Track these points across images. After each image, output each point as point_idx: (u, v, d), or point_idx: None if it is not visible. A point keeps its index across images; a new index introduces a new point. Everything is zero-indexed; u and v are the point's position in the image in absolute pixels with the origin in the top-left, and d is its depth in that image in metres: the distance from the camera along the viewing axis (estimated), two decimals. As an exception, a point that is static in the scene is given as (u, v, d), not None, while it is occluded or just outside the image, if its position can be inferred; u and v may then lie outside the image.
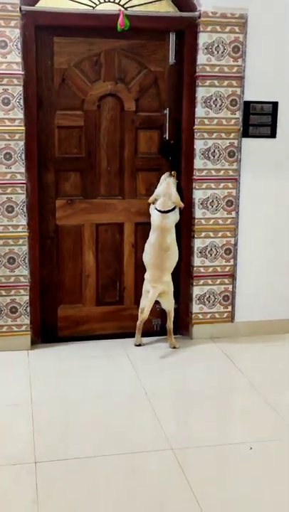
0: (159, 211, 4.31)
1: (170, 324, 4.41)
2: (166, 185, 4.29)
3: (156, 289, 4.27)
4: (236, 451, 3.17)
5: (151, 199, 4.33)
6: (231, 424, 3.55)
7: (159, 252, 4.28)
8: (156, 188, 4.39)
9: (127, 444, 3.19)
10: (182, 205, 4.32)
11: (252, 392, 3.81)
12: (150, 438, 3.27)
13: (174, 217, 4.36)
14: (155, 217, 4.33)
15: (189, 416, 3.62)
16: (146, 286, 4.35)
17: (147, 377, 3.97)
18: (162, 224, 4.29)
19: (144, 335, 4.49)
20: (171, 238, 4.32)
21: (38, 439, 3.22)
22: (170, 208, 4.31)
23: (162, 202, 4.30)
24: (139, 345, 4.45)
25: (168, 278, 4.34)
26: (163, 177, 4.34)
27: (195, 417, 3.58)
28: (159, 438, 3.25)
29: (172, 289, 4.37)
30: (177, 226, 4.40)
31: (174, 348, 4.41)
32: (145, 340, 4.53)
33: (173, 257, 4.35)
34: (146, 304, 4.27)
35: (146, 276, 4.36)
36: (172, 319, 4.40)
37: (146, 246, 4.37)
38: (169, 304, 4.41)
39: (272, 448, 3.22)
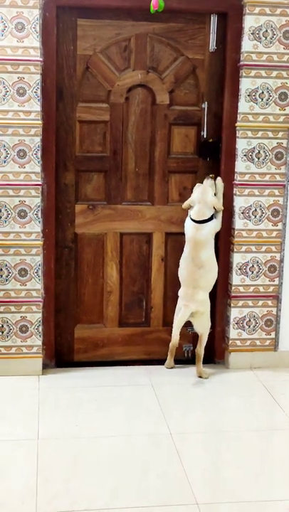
0: (193, 221, 4.23)
1: (200, 350, 4.33)
2: (203, 190, 4.23)
3: (188, 308, 4.21)
4: (274, 511, 2.99)
5: (185, 204, 4.28)
6: (270, 475, 3.35)
7: (192, 268, 4.23)
8: (192, 193, 4.34)
9: (145, 496, 3.07)
10: (221, 207, 4.25)
11: None
12: (173, 489, 3.13)
13: (212, 227, 4.25)
14: (188, 228, 4.27)
15: (220, 463, 3.45)
16: (179, 304, 4.31)
17: (173, 413, 3.88)
18: (196, 236, 4.22)
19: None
20: (208, 253, 4.24)
21: (40, 485, 3.11)
22: (206, 218, 4.22)
23: (197, 210, 4.24)
24: (172, 368, 4.43)
25: (202, 297, 4.26)
26: (204, 182, 4.28)
27: (226, 465, 3.41)
28: (184, 489, 3.11)
29: (208, 310, 4.31)
30: (215, 238, 4.33)
31: (201, 377, 4.34)
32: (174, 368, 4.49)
33: (209, 275, 4.29)
34: (174, 324, 4.24)
35: (180, 293, 4.32)
36: (204, 344, 4.33)
37: (181, 260, 4.33)
38: (202, 327, 4.33)
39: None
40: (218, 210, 4.24)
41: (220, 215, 4.28)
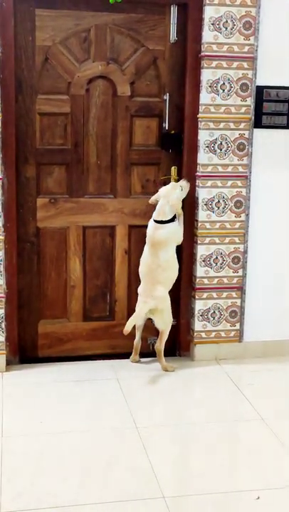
0: (154, 220, 4.24)
1: (160, 346, 4.33)
2: (170, 187, 4.23)
3: (147, 305, 4.21)
4: (240, 502, 3.02)
5: (152, 199, 4.27)
6: (235, 467, 3.38)
7: (151, 266, 4.24)
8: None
9: (112, 491, 3.05)
10: (180, 212, 4.24)
11: (261, 427, 3.68)
12: (139, 483, 3.12)
13: (172, 230, 4.23)
14: (149, 226, 4.28)
15: (186, 456, 3.48)
16: (139, 300, 4.31)
17: (139, 406, 3.88)
18: (153, 236, 4.22)
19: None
20: (167, 254, 4.23)
21: (4, 483, 3.07)
22: (165, 218, 4.21)
23: (158, 208, 4.24)
24: (137, 362, 4.46)
25: (161, 293, 4.25)
26: (180, 182, 4.30)
27: (193, 457, 3.44)
28: (150, 483, 3.10)
29: (168, 307, 4.31)
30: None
31: (167, 371, 4.33)
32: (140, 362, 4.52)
33: (168, 273, 4.28)
34: (130, 318, 4.19)
35: (139, 289, 4.33)
36: (164, 340, 4.34)
37: (141, 257, 4.33)
38: (162, 323, 4.33)
39: (284, 498, 3.05)
40: (177, 213, 4.22)
41: (181, 220, 4.28)
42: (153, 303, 4.21)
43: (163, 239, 4.19)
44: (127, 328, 4.11)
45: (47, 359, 4.46)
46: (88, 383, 4.18)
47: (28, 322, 4.44)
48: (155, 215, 4.22)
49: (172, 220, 4.23)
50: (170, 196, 4.18)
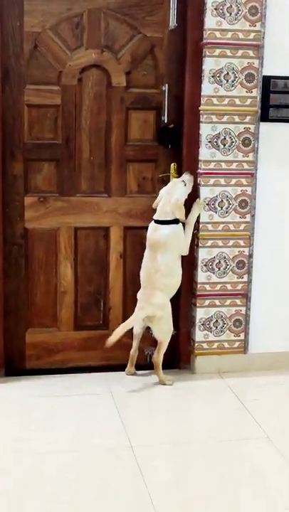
0: (154, 220, 4.24)
1: (158, 358, 4.29)
2: (171, 185, 4.20)
3: (143, 311, 4.20)
4: None
5: (154, 204, 4.25)
6: (238, 489, 3.29)
7: (150, 270, 4.23)
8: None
9: None
10: (182, 216, 4.16)
11: (266, 447, 3.63)
12: (133, 507, 3.05)
13: (173, 231, 4.18)
14: (149, 226, 4.26)
15: (185, 478, 3.40)
16: (137, 306, 4.30)
17: (134, 423, 3.85)
18: (151, 236, 4.21)
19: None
20: (166, 258, 4.19)
21: None
22: (166, 219, 4.17)
23: (159, 207, 4.21)
24: (133, 374, 4.44)
25: (160, 300, 4.21)
26: (183, 176, 4.26)
27: (192, 479, 3.38)
28: (145, 507, 3.02)
29: (167, 315, 4.28)
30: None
31: (165, 385, 4.31)
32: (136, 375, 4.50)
33: (169, 280, 4.24)
34: (118, 328, 4.17)
35: (138, 294, 4.31)
36: (162, 352, 4.30)
37: (143, 261, 4.33)
38: (161, 333, 4.28)
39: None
40: (178, 218, 4.15)
41: (189, 230, 4.23)
42: (150, 310, 4.18)
43: (162, 240, 4.15)
44: (112, 340, 4.11)
45: (35, 371, 4.45)
46: (79, 398, 4.16)
47: (15, 331, 4.42)
48: (156, 215, 4.20)
49: (176, 221, 4.17)
50: (173, 194, 4.15)
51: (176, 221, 4.16)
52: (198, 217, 4.31)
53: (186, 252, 4.24)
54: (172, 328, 4.32)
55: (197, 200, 4.25)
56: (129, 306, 4.43)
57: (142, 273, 4.27)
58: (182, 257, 4.33)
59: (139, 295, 4.27)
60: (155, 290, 4.18)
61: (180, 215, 4.13)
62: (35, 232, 4.34)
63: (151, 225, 4.21)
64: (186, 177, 4.20)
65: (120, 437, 3.65)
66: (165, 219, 4.15)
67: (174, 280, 4.26)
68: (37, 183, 4.30)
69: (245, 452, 3.65)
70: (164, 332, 4.27)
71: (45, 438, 3.64)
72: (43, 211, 4.32)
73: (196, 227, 4.34)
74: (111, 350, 4.41)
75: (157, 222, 4.17)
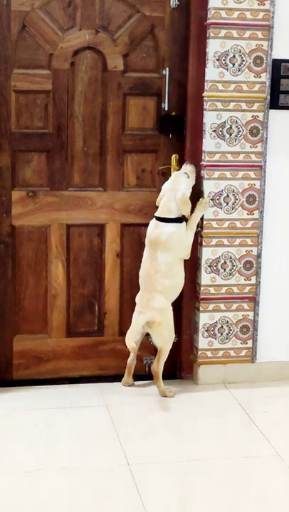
0: (155, 217, 4.18)
1: (157, 367, 4.21)
2: (174, 179, 4.14)
3: (143, 316, 4.13)
4: None
5: (157, 200, 4.19)
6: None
7: (149, 271, 4.17)
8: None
9: None
10: (188, 212, 4.09)
11: (277, 467, 3.55)
12: None
13: (176, 230, 4.11)
14: (149, 225, 4.20)
15: (187, 499, 3.34)
16: (136, 310, 4.24)
17: (132, 439, 3.77)
18: (151, 234, 4.14)
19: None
20: (168, 258, 4.12)
21: None
22: (170, 216, 4.11)
23: (162, 203, 4.16)
24: (130, 385, 4.37)
25: (160, 304, 4.14)
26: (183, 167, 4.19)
27: (195, 500, 3.32)
28: None
29: (168, 320, 4.21)
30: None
31: (165, 396, 4.23)
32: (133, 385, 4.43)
33: (169, 282, 4.18)
34: (127, 334, 4.12)
35: (137, 298, 4.25)
36: (162, 361, 4.23)
37: (142, 260, 4.29)
38: (161, 340, 4.20)
39: None
40: (184, 214, 4.08)
41: (192, 228, 4.16)
42: (150, 314, 4.12)
43: (163, 238, 4.08)
44: (132, 345, 4.08)
45: (23, 382, 4.38)
46: (72, 411, 4.09)
47: (1, 338, 4.35)
48: (158, 212, 4.14)
49: (179, 220, 4.10)
50: (177, 189, 4.08)
51: (179, 220, 4.10)
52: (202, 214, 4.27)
53: (187, 255, 4.17)
54: (173, 335, 4.26)
55: (201, 199, 4.16)
56: (126, 311, 4.39)
57: (141, 274, 4.22)
58: (185, 258, 4.30)
59: (137, 298, 4.21)
60: (155, 293, 4.12)
61: (186, 211, 4.07)
62: (24, 229, 4.28)
63: (152, 222, 4.16)
64: (188, 168, 4.12)
65: (116, 454, 3.59)
66: (168, 217, 4.09)
67: (176, 282, 4.21)
68: (25, 176, 4.24)
69: (253, 471, 3.59)
70: (164, 339, 4.20)
71: (34, 455, 3.58)
72: (32, 207, 4.26)
73: (200, 225, 4.28)
74: (106, 358, 4.46)
75: (159, 219, 4.12)
